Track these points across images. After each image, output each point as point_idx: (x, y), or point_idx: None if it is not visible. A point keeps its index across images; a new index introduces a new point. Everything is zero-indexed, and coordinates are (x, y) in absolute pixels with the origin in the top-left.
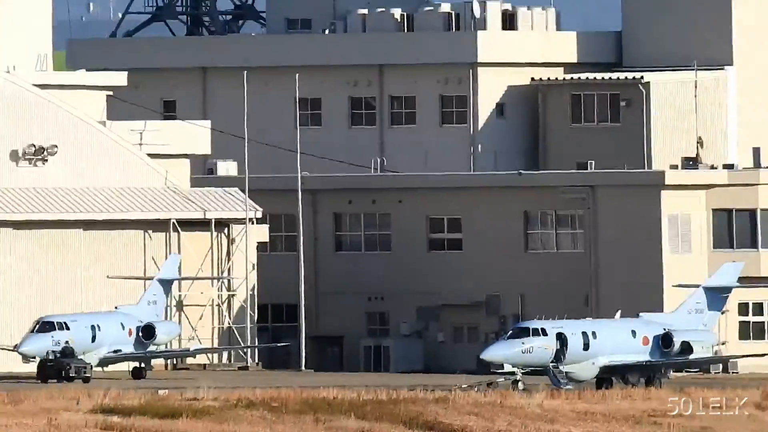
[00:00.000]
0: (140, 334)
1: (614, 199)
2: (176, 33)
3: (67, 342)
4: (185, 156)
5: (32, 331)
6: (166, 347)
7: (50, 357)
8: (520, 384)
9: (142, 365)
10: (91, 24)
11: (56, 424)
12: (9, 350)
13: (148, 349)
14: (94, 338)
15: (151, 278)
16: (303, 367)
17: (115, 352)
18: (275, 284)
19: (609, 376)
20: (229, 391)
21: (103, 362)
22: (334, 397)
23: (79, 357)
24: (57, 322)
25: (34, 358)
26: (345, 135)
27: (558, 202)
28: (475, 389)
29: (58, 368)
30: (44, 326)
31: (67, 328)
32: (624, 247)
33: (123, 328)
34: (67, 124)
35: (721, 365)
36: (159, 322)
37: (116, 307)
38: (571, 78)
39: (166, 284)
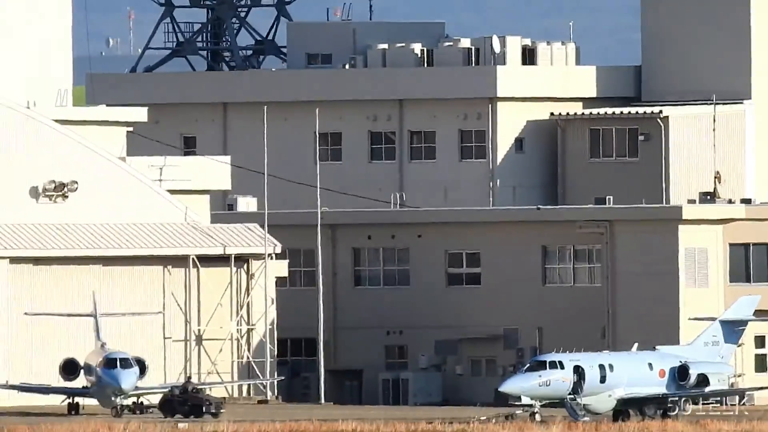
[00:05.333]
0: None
1: (632, 233)
2: (196, 68)
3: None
4: (205, 192)
5: (115, 368)
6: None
7: (175, 392)
8: (537, 416)
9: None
10: (111, 59)
11: None
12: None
13: (144, 386)
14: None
15: (69, 315)
16: (322, 401)
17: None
18: (294, 319)
19: (626, 409)
20: (249, 424)
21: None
22: (353, 429)
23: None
24: (131, 359)
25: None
26: (364, 170)
27: (576, 237)
28: (493, 421)
29: (194, 403)
30: (123, 363)
31: (135, 365)
32: (641, 281)
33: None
34: (86, 159)
35: (737, 397)
36: (142, 359)
37: (103, 345)
38: (590, 113)
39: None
